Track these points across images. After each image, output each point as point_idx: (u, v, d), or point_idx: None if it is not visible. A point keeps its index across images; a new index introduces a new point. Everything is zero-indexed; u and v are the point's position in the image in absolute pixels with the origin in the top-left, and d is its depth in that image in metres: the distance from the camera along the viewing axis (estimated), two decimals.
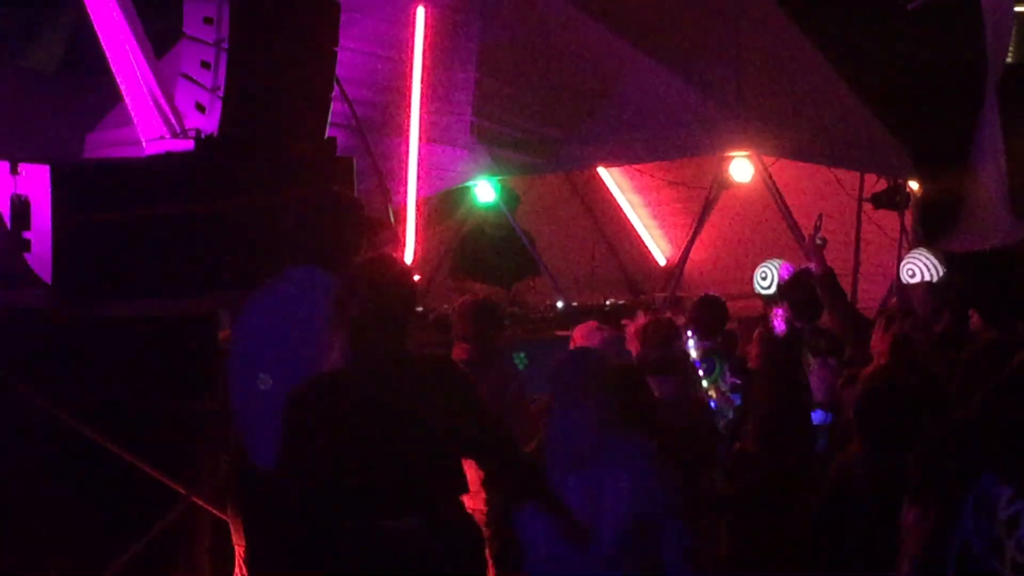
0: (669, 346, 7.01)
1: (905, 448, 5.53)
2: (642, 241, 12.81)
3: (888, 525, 5.10)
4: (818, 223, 9.33)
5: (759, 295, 9.61)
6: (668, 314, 8.20)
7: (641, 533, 5.12)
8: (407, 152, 9.13)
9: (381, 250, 4.94)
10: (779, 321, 8.09)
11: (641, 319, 7.22)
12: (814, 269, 8.76)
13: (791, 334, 7.67)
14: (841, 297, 8.85)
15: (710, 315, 8.27)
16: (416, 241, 9.25)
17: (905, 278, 9.32)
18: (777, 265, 9.35)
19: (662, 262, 12.75)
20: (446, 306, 9.91)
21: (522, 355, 6.66)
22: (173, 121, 6.99)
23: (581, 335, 7.08)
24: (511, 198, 10.52)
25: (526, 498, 5.04)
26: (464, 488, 4.78)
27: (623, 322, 7.45)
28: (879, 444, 5.55)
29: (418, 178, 9.14)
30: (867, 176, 11.00)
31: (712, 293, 9.04)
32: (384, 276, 4.73)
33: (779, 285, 8.86)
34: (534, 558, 5.26)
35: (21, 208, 6.39)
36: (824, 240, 9.36)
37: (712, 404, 7.66)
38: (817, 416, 7.61)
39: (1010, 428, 4.29)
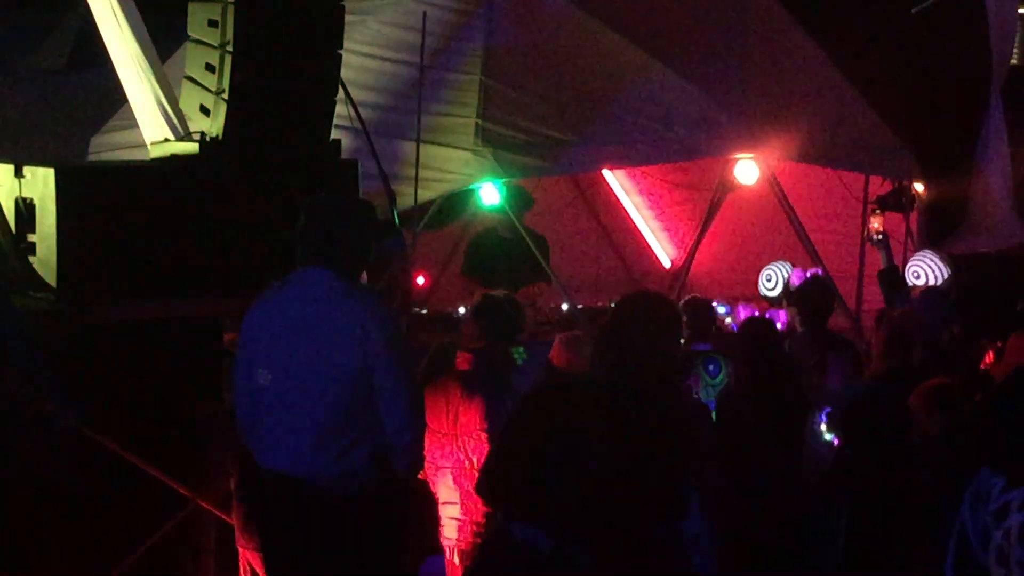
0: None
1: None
2: (647, 243, 12.81)
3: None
4: (873, 211, 9.36)
5: (764, 297, 9.63)
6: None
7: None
8: (412, 155, 9.12)
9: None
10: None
11: None
12: (881, 263, 8.85)
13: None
14: (895, 293, 8.91)
15: (698, 317, 8.27)
16: (420, 244, 9.24)
17: (911, 280, 9.34)
18: (782, 268, 9.37)
19: (667, 264, 12.74)
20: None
21: (520, 349, 6.63)
22: (177, 124, 6.99)
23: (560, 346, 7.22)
24: (525, 200, 10.53)
25: None
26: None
27: None
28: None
29: (422, 181, 9.14)
30: (872, 178, 10.99)
31: (696, 295, 9.06)
32: (664, 312, 5.04)
33: (789, 290, 8.90)
34: None
35: (26, 211, 6.39)
36: (884, 234, 9.42)
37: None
38: None
39: (1006, 422, 4.36)
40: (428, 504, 6.53)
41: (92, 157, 9.45)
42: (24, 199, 6.39)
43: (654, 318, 4.97)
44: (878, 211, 9.97)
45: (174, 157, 6.84)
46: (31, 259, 6.37)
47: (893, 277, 9.32)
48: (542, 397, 4.66)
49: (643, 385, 4.79)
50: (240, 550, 6.46)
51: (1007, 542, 4.15)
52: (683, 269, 11.87)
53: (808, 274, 9.21)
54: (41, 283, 6.29)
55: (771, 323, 7.90)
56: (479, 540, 6.20)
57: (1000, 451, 4.31)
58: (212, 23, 6.84)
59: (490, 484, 4.61)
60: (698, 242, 11.60)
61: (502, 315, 6.80)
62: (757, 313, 8.88)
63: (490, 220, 10.47)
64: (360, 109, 8.11)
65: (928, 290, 8.77)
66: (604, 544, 4.42)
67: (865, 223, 10.64)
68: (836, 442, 6.71)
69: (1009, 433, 4.32)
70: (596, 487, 4.35)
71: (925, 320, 7.56)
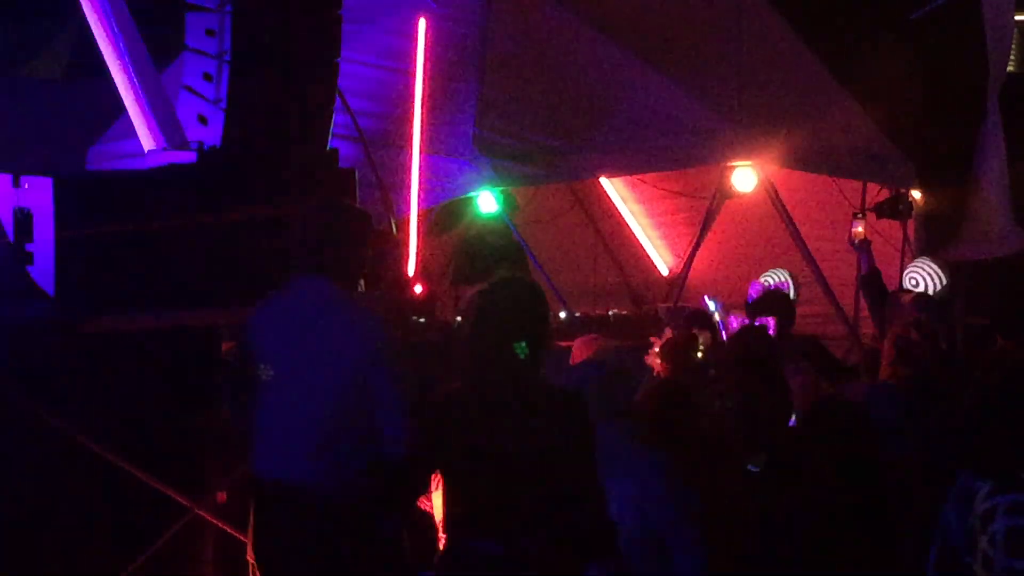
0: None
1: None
2: (645, 251, 12.81)
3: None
4: (857, 215, 9.38)
5: None
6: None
7: (651, 547, 5.09)
8: (409, 163, 9.13)
9: (510, 274, 4.98)
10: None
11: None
12: (862, 269, 8.88)
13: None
14: (878, 299, 8.92)
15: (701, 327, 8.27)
16: (418, 252, 9.25)
17: (908, 287, 9.33)
18: (779, 275, 9.36)
19: (665, 272, 12.75)
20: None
21: (523, 344, 6.62)
22: (175, 134, 7.00)
23: (579, 346, 7.14)
24: (510, 205, 10.53)
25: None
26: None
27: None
28: None
29: (420, 189, 9.14)
30: (869, 185, 10.99)
31: (699, 308, 9.06)
32: (516, 301, 4.74)
33: (749, 303, 8.90)
34: None
35: (24, 220, 6.39)
36: (866, 240, 9.45)
37: None
38: None
39: (992, 427, 4.38)
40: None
41: (90, 167, 9.45)
42: (22, 209, 6.39)
43: (505, 313, 4.71)
44: (860, 216, 9.99)
45: (172, 166, 6.85)
46: (29, 269, 6.36)
47: (875, 282, 9.33)
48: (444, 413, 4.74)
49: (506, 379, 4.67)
50: (250, 563, 6.43)
51: (991, 547, 4.17)
52: (681, 277, 11.86)
53: (770, 286, 9.21)
54: (39, 293, 6.29)
55: (768, 344, 7.85)
56: None
57: (986, 456, 4.33)
58: (209, 32, 6.86)
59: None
60: (695, 250, 11.59)
61: None
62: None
63: (479, 227, 10.47)
64: (358, 118, 8.11)
65: (919, 296, 8.77)
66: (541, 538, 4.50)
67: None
68: None
69: (995, 438, 4.34)
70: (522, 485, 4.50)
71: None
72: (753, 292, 8.87)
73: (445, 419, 4.74)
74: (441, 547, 6.13)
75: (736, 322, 8.37)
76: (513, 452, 4.53)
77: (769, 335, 7.67)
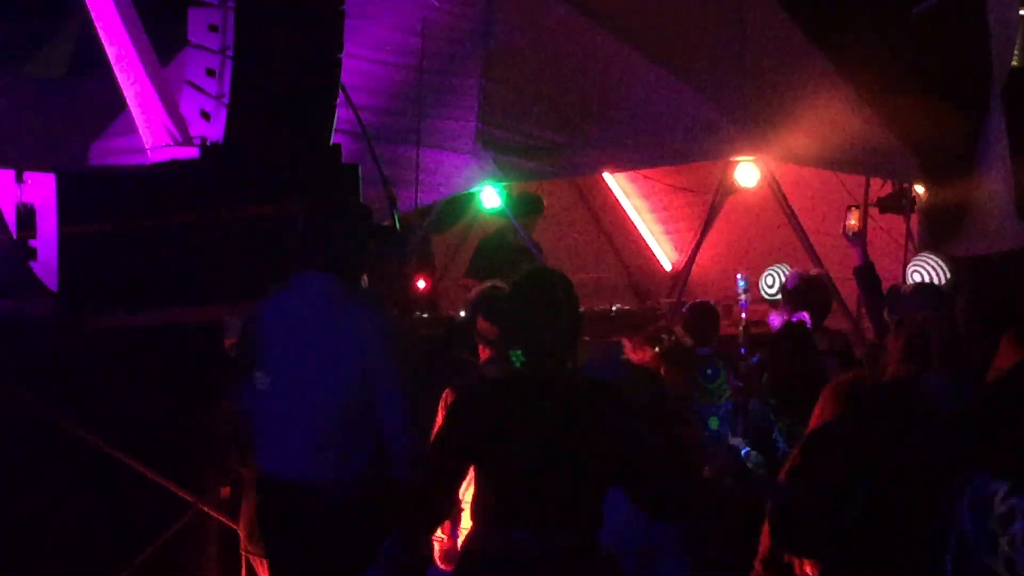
0: None
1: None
2: (648, 247, 12.81)
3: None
4: (852, 207, 9.39)
5: (765, 300, 9.62)
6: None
7: (638, 561, 5.08)
8: (412, 159, 9.12)
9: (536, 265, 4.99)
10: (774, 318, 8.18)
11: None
12: (856, 260, 8.89)
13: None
14: (871, 290, 8.93)
15: (703, 321, 8.26)
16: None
17: (911, 282, 9.31)
18: (783, 270, 9.36)
19: (668, 267, 12.74)
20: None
21: (519, 353, 6.67)
22: (177, 129, 7.00)
23: None
24: (533, 205, 10.56)
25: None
26: (600, 523, 4.67)
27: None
28: None
29: (423, 184, 9.14)
30: (873, 180, 10.98)
31: (703, 300, 9.05)
32: (556, 289, 4.73)
33: (784, 291, 8.89)
34: None
35: (27, 216, 6.40)
36: (861, 231, 9.45)
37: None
38: None
39: (1005, 426, 4.36)
40: None
41: (93, 163, 9.45)
42: (25, 204, 6.39)
43: (545, 300, 4.70)
44: (855, 207, 10.00)
45: (175, 162, 6.85)
46: (32, 264, 6.37)
47: (869, 274, 9.34)
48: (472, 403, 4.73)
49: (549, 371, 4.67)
50: (243, 555, 6.46)
51: (1012, 549, 4.15)
52: (684, 272, 11.85)
53: (808, 275, 9.20)
54: (42, 289, 6.29)
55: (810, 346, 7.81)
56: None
57: (1001, 456, 4.30)
58: (212, 28, 6.86)
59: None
60: (699, 245, 11.58)
61: None
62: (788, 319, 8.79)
63: (498, 224, 10.49)
64: (360, 113, 8.11)
65: (920, 287, 8.75)
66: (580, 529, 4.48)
67: (865, 225, 10.65)
68: None
69: (1010, 437, 4.32)
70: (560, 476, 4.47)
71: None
72: (792, 280, 8.87)
73: (478, 408, 4.73)
74: (462, 539, 6.14)
75: (777, 320, 8.34)
76: (543, 443, 4.52)
77: (809, 333, 7.70)
